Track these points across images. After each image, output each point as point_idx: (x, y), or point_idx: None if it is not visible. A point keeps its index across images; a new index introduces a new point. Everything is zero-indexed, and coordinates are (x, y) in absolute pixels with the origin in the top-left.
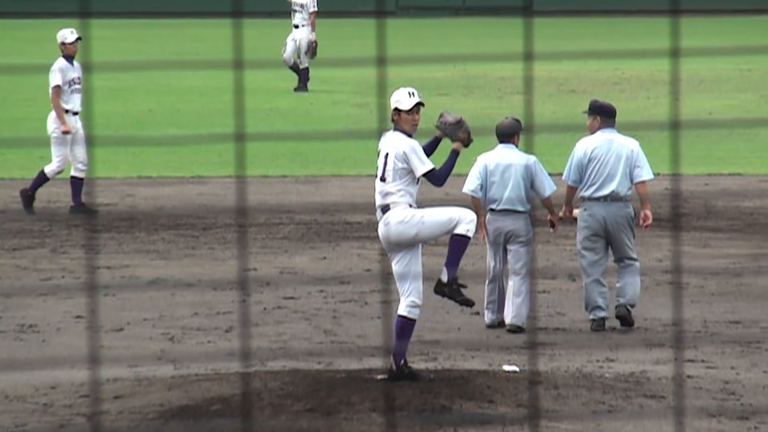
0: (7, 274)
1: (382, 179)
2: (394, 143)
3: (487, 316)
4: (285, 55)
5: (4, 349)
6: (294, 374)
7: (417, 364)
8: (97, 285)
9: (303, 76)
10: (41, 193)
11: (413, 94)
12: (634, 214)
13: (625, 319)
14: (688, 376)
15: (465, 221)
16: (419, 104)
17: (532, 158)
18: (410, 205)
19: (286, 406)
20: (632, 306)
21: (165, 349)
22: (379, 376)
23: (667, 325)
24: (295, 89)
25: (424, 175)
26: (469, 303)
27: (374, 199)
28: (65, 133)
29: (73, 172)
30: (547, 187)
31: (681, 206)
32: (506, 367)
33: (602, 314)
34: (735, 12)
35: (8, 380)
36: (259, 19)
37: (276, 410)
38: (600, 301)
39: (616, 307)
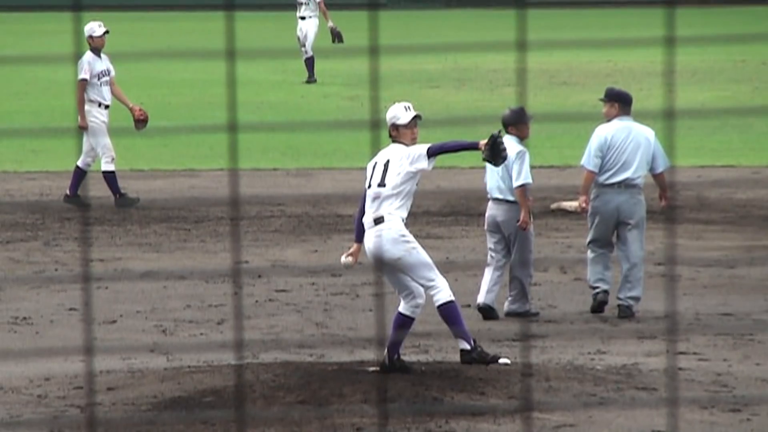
0: (0, 266)
1: (381, 185)
2: (395, 152)
3: (481, 297)
4: (309, 52)
5: None
6: (286, 366)
7: (409, 356)
8: (90, 277)
9: (309, 65)
10: (33, 186)
11: (409, 108)
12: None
13: (626, 314)
14: (680, 369)
15: (444, 288)
16: (417, 117)
17: (518, 148)
18: (403, 220)
19: (279, 398)
20: (637, 299)
21: (158, 342)
22: (371, 368)
23: (659, 318)
24: (307, 81)
25: (428, 153)
26: (496, 359)
27: (364, 207)
28: (82, 128)
29: (79, 163)
30: (522, 177)
31: (674, 198)
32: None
33: (606, 287)
34: (728, 3)
35: (3, 372)
36: (250, 12)
37: (268, 402)
38: (606, 275)
39: (618, 306)
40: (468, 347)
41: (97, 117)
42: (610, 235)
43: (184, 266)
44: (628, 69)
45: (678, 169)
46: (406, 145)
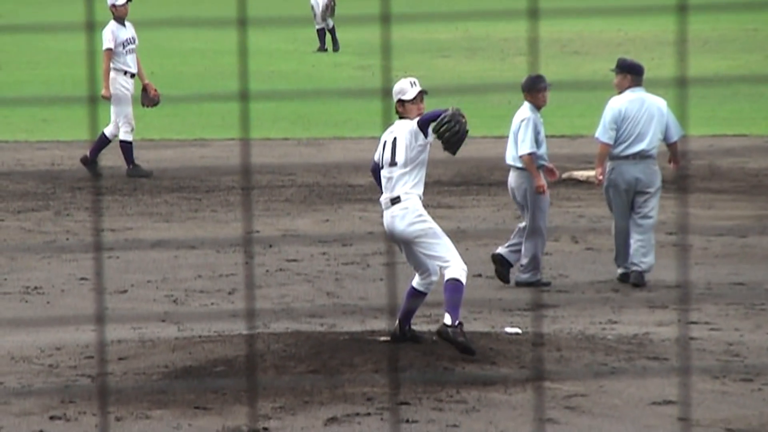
0: (12, 236)
1: (393, 164)
2: (402, 128)
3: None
4: (323, 23)
5: (9, 311)
6: (297, 336)
7: (420, 326)
8: (101, 247)
9: (332, 36)
10: (44, 155)
11: (415, 83)
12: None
13: (638, 283)
14: (692, 338)
15: (459, 268)
16: (422, 92)
17: (524, 115)
18: (420, 198)
19: (289, 368)
20: (650, 265)
21: (169, 311)
22: (382, 338)
23: (670, 287)
24: (318, 50)
25: (419, 123)
26: (469, 351)
27: (380, 187)
28: (104, 98)
29: (106, 130)
30: (527, 146)
31: (685, 167)
32: (509, 329)
33: (629, 269)
34: None
35: (14, 341)
36: None
37: (279, 371)
38: (629, 254)
39: (630, 272)
40: (450, 322)
41: (122, 85)
42: (629, 206)
43: (195, 236)
44: (639, 38)
45: (690, 138)
46: (412, 120)
